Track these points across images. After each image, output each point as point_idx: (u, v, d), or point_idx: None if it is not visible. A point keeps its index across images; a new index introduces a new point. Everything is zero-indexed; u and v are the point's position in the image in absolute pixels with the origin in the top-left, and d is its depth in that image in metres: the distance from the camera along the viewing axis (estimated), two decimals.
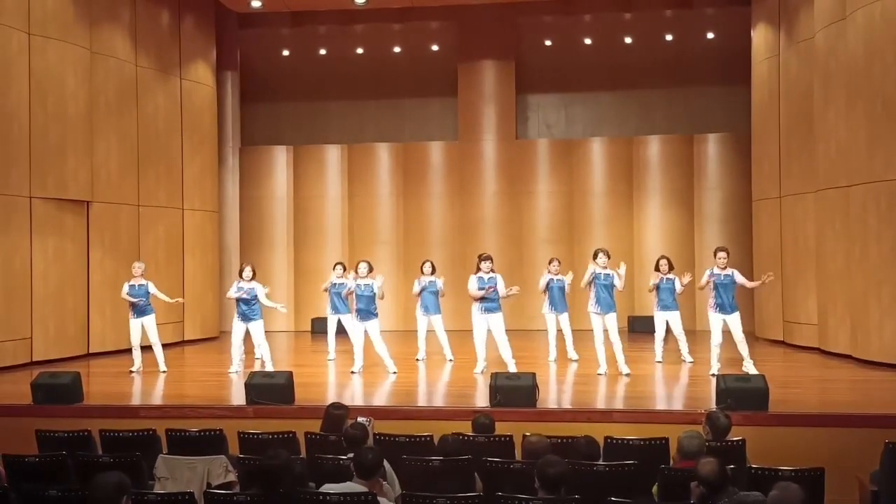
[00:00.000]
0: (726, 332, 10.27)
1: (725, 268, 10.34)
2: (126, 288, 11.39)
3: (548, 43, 17.52)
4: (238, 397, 9.03)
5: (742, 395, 7.80)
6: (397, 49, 17.81)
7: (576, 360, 11.67)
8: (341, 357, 12.16)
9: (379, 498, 4.79)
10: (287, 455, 5.12)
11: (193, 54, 15.64)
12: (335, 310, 12.08)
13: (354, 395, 9.65)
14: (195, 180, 15.52)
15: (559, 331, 11.81)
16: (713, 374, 9.76)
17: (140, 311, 11.32)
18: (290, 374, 8.75)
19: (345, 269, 12.34)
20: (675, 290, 11.27)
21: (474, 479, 5.71)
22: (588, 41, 17.37)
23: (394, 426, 7.15)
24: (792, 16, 13.44)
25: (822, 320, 12.41)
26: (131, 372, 11.32)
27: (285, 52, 18.00)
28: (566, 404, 9.11)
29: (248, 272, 11.11)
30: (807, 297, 12.92)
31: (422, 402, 9.52)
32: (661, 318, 11.44)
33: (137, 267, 11.51)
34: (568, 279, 11.59)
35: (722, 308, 10.28)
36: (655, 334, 11.54)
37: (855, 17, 11.32)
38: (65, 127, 12.72)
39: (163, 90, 14.89)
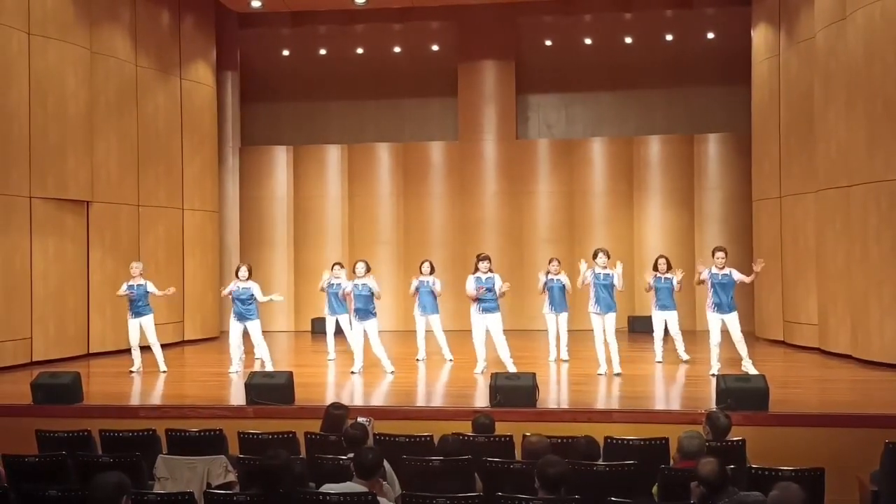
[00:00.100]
0: (725, 332, 10.27)
1: (723, 267, 10.34)
2: (124, 288, 11.42)
3: (548, 43, 17.52)
4: (238, 397, 9.03)
5: (742, 395, 7.79)
6: (397, 49, 17.81)
7: (566, 361, 11.65)
8: (341, 357, 12.16)
9: (379, 498, 4.78)
10: (287, 455, 5.12)
11: (193, 54, 15.64)
12: (333, 310, 12.08)
13: (354, 395, 9.65)
14: (195, 180, 15.52)
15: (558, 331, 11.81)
16: (713, 374, 9.76)
17: (138, 311, 11.34)
18: (290, 374, 8.75)
19: (342, 269, 12.32)
20: (673, 289, 11.29)
21: (474, 480, 5.71)
22: (588, 41, 17.37)
23: (394, 426, 7.15)
24: (792, 16, 13.44)
25: (823, 320, 12.40)
26: (131, 372, 11.32)
27: (285, 52, 18.00)
28: (566, 404, 9.10)
29: (244, 272, 11.13)
30: (807, 297, 12.91)
31: (422, 402, 9.52)
32: (659, 318, 11.46)
33: (135, 267, 11.51)
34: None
35: (720, 308, 10.27)
36: (654, 334, 11.55)
37: (855, 17, 11.32)
38: (65, 127, 12.72)
39: (163, 90, 14.89)
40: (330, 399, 8.57)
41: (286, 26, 17.91)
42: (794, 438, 7.41)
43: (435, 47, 17.81)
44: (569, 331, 11.77)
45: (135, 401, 9.80)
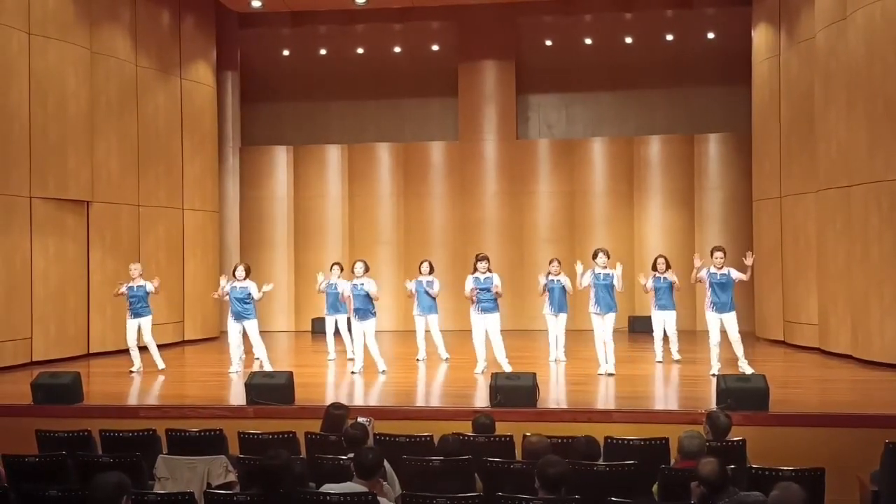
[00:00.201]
0: (724, 332, 10.27)
1: (722, 267, 10.33)
2: (123, 287, 11.44)
3: (548, 43, 17.52)
4: (238, 397, 9.02)
5: (742, 395, 7.79)
6: (397, 49, 17.80)
7: (563, 362, 11.63)
8: (341, 357, 12.17)
9: (379, 498, 4.78)
10: (287, 455, 5.11)
11: (194, 54, 15.64)
12: (332, 311, 12.10)
13: (354, 395, 9.65)
14: (195, 180, 15.52)
15: None
16: (713, 374, 9.76)
17: (137, 312, 11.37)
18: (291, 374, 8.75)
19: (342, 270, 12.32)
20: (672, 288, 11.29)
21: (474, 480, 5.70)
22: (588, 41, 17.36)
23: (394, 426, 7.14)
24: (792, 16, 13.44)
25: (823, 320, 12.40)
26: (131, 372, 11.33)
27: (285, 52, 18.00)
28: (566, 404, 9.09)
29: (241, 271, 11.13)
30: (807, 297, 12.91)
31: (422, 402, 9.52)
32: (658, 318, 11.47)
33: (135, 269, 11.52)
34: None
35: (718, 307, 10.27)
36: (654, 334, 11.55)
37: (855, 17, 11.32)
38: (65, 127, 12.72)
39: (163, 90, 14.89)
40: (330, 399, 8.56)
41: (286, 26, 17.91)
42: (794, 438, 7.40)
43: (435, 47, 17.81)
44: (568, 331, 11.76)
45: (135, 401, 9.80)
